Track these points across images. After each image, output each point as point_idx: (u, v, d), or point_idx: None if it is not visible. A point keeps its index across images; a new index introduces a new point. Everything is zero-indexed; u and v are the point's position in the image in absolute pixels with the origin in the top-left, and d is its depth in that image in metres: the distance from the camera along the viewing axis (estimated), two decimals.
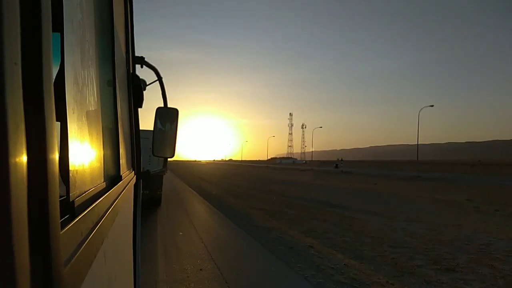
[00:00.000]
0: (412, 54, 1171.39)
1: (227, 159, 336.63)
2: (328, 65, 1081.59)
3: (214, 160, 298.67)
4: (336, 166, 57.75)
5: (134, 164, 1.87)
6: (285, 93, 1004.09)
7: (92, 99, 0.79)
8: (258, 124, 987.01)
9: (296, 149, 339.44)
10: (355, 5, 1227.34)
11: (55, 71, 0.51)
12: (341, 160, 64.39)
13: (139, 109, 2.07)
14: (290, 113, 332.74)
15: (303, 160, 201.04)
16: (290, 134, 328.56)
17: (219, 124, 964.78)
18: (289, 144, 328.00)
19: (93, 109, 0.80)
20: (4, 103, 0.24)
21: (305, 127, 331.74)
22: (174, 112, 2.22)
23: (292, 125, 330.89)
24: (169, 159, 2.43)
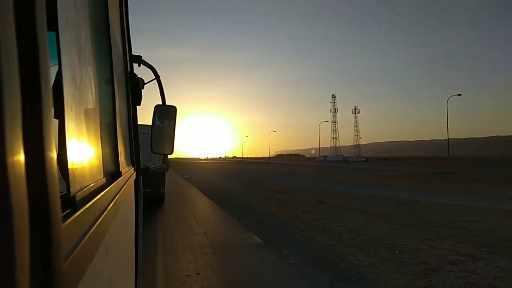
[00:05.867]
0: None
1: (231, 156, 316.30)
2: (326, 62, 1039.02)
3: (220, 158, 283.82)
4: None
5: (134, 160, 1.89)
6: (280, 91, 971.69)
7: (90, 97, 0.80)
8: (256, 121, 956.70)
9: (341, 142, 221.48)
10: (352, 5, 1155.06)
11: (52, 70, 0.52)
12: None
13: (137, 107, 2.09)
14: (332, 95, 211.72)
15: (362, 157, 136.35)
16: (334, 122, 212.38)
17: (218, 122, 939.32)
18: (333, 136, 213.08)
19: (91, 107, 0.81)
20: (2, 102, 0.24)
21: (358, 112, 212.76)
22: (172, 110, 2.23)
23: (336, 110, 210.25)
24: (169, 156, 2.45)
